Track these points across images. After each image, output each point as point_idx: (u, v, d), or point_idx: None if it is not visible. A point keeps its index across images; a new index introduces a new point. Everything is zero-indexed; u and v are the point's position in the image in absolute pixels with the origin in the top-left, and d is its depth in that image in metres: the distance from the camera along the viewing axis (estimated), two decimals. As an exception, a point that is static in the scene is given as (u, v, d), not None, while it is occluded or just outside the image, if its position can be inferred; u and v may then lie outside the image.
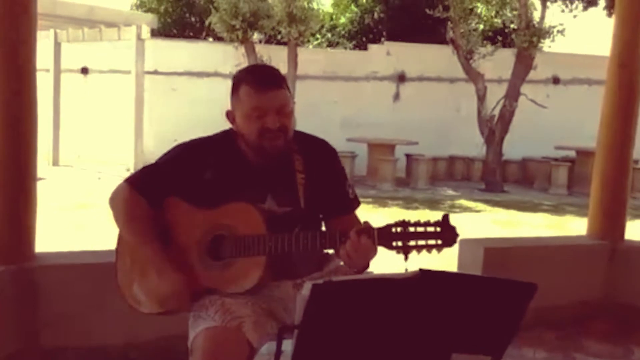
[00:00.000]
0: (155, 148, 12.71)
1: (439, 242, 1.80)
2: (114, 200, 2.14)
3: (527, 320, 1.59)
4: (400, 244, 1.80)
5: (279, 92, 2.03)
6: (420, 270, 1.44)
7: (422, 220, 1.82)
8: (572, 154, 12.74)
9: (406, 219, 1.82)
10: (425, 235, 1.80)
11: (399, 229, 1.81)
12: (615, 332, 3.86)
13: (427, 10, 12.49)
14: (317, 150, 2.19)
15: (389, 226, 1.82)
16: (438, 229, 1.81)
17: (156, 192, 2.10)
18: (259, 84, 2.02)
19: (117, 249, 2.20)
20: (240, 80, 2.07)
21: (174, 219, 2.11)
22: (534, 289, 1.47)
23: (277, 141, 2.02)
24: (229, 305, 1.97)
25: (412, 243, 1.79)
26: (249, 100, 2.02)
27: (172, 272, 2.01)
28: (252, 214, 1.99)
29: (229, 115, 2.12)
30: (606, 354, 3.68)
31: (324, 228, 2.18)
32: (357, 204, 2.21)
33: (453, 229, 1.82)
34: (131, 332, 3.06)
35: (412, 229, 1.80)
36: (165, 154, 2.16)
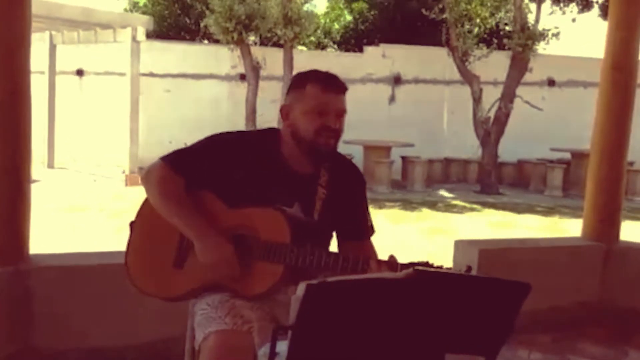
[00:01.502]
0: (150, 150, 12.68)
1: None
2: (149, 177, 2.11)
3: (521, 322, 1.60)
4: None
5: (343, 97, 2.10)
6: (415, 270, 1.44)
7: (445, 267, 1.81)
8: (568, 155, 12.77)
9: (429, 262, 1.83)
10: None
11: (420, 269, 1.82)
12: (610, 334, 3.87)
13: (424, 11, 12.51)
14: (347, 172, 2.22)
15: (412, 264, 1.82)
16: None
17: (191, 172, 2.09)
18: (329, 85, 2.07)
19: (132, 230, 2.17)
20: (307, 78, 2.10)
21: (200, 212, 2.07)
22: (528, 288, 1.47)
23: (331, 140, 2.06)
24: (239, 308, 1.97)
25: None
26: (317, 97, 2.05)
27: (218, 242, 1.99)
28: (280, 221, 1.99)
29: (283, 110, 2.13)
30: (601, 355, 3.68)
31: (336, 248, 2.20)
32: (373, 232, 2.24)
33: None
34: (128, 334, 3.05)
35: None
36: (204, 140, 2.15)
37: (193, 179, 2.09)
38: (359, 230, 2.21)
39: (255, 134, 2.22)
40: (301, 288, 1.34)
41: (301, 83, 2.10)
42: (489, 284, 1.50)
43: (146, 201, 2.15)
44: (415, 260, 1.85)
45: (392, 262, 1.88)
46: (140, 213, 2.17)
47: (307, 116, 2.05)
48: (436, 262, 1.83)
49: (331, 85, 2.07)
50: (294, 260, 1.94)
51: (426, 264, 1.82)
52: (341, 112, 2.08)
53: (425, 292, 1.45)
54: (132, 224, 2.18)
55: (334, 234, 2.21)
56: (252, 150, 2.12)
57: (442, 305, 1.47)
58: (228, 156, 2.10)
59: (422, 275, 1.43)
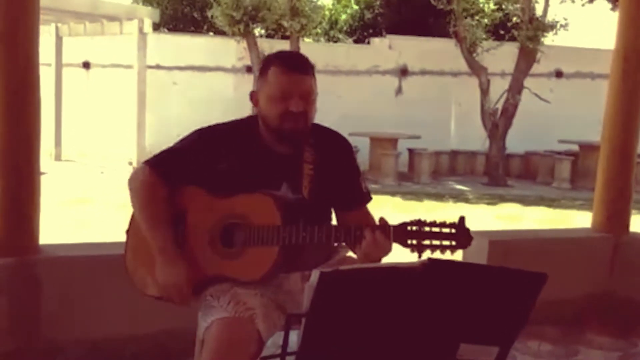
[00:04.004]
0: (157, 142, 12.64)
1: (453, 243, 1.81)
2: (132, 182, 2.13)
3: (531, 313, 1.58)
4: (415, 242, 1.81)
5: (305, 77, 2.04)
6: (429, 259, 1.43)
7: (438, 221, 1.83)
8: (576, 147, 12.70)
9: (422, 218, 1.84)
10: (440, 236, 1.81)
11: (414, 228, 1.82)
12: (620, 325, 3.85)
13: (432, 1, 12.43)
14: (332, 144, 2.19)
15: (404, 224, 1.84)
16: (453, 231, 1.82)
17: (175, 175, 2.09)
18: (288, 67, 2.03)
19: (128, 230, 2.19)
20: (270, 62, 2.08)
21: (189, 205, 2.10)
22: (544, 279, 1.45)
23: (297, 124, 2.02)
24: (241, 295, 1.97)
25: (426, 242, 1.80)
26: (276, 82, 2.03)
27: (177, 264, 2.01)
28: (269, 204, 1.99)
29: (253, 97, 2.12)
30: (610, 347, 3.67)
31: (334, 221, 2.18)
32: (369, 198, 2.22)
33: (467, 231, 1.83)
34: (132, 325, 3.06)
35: (427, 229, 1.82)
36: (184, 138, 2.15)
37: (177, 179, 2.10)
38: (355, 199, 2.19)
39: (234, 123, 2.19)
40: (315, 276, 1.34)
41: (265, 67, 2.08)
42: (505, 274, 1.48)
43: None
44: (407, 219, 1.85)
45: (383, 225, 1.87)
46: (132, 219, 2.19)
47: (270, 102, 2.04)
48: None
49: (292, 68, 2.03)
50: (287, 240, 1.93)
51: (419, 222, 1.83)
52: (305, 94, 2.03)
53: (440, 281, 1.44)
54: (127, 232, 2.20)
55: (332, 208, 2.19)
56: (233, 139, 2.11)
57: (456, 294, 1.46)
58: (211, 149, 2.09)
59: (437, 264, 1.42)
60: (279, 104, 2.02)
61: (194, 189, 2.10)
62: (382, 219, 1.91)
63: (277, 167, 2.09)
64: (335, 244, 2.13)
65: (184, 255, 2.05)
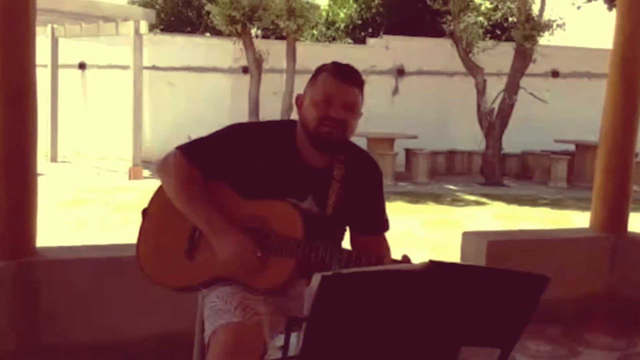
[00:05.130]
0: (154, 143, 12.70)
1: None
2: (165, 166, 2.09)
3: (532, 315, 1.57)
4: None
5: (353, 89, 2.05)
6: (430, 261, 1.42)
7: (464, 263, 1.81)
8: (572, 147, 12.73)
9: (446, 261, 1.81)
10: None
11: (436, 260, 1.80)
12: (620, 325, 3.85)
13: (428, 1, 12.43)
14: (363, 165, 2.19)
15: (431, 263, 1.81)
16: None
17: (207, 164, 2.06)
18: (338, 74, 2.04)
19: (145, 218, 2.14)
20: (322, 69, 2.08)
21: (212, 200, 2.06)
22: (545, 281, 1.44)
23: (333, 130, 2.01)
24: (249, 300, 1.95)
25: None
26: (323, 86, 2.03)
27: (233, 233, 1.96)
28: (292, 215, 1.97)
29: (298, 100, 2.11)
30: (610, 347, 3.67)
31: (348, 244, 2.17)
32: (387, 227, 2.21)
33: None
34: (132, 328, 3.04)
35: None
36: (221, 130, 2.13)
37: (208, 169, 2.06)
38: (374, 225, 2.18)
39: (272, 125, 2.19)
40: (316, 279, 1.32)
41: (317, 73, 2.08)
42: (506, 276, 1.47)
43: (159, 189, 2.12)
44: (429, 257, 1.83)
45: (406, 262, 1.83)
46: (153, 201, 2.14)
47: (314, 105, 2.03)
48: (444, 257, 1.82)
49: (342, 76, 2.03)
50: (307, 256, 1.91)
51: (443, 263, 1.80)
52: (350, 105, 2.03)
53: (441, 284, 1.43)
54: (144, 212, 2.15)
55: (347, 228, 2.18)
56: (268, 141, 2.09)
57: (457, 297, 1.45)
58: (244, 147, 2.07)
59: (438, 266, 1.41)
60: (321, 107, 2.01)
61: (220, 184, 2.06)
62: (405, 257, 1.87)
63: (306, 178, 2.07)
64: None
65: (202, 251, 2.01)
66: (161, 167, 2.10)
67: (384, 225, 2.20)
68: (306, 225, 1.95)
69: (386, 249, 2.13)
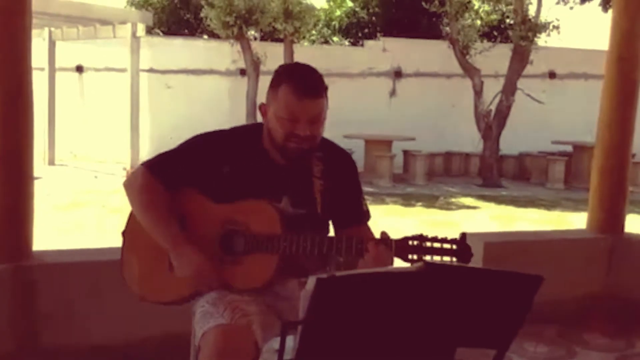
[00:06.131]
0: (151, 146, 12.68)
1: (454, 259, 1.81)
2: (130, 184, 2.11)
3: (527, 315, 1.57)
4: (415, 257, 1.82)
5: (317, 101, 2.01)
6: (425, 263, 1.42)
7: (439, 236, 1.84)
8: (569, 148, 12.74)
9: (424, 234, 1.84)
10: (441, 252, 1.82)
11: (415, 242, 1.83)
12: (617, 326, 3.85)
13: (424, 4, 12.46)
14: (339, 160, 2.20)
15: (406, 239, 1.84)
16: (454, 247, 1.82)
17: (174, 179, 2.08)
18: (300, 90, 1.98)
19: (125, 238, 2.16)
20: (283, 77, 2.03)
21: (188, 211, 2.08)
22: (539, 281, 1.45)
23: (302, 145, 2.01)
24: (237, 302, 1.95)
25: (427, 257, 1.81)
26: (286, 103, 1.99)
27: (192, 252, 1.99)
28: (269, 212, 1.98)
29: (262, 108, 2.09)
30: (607, 347, 3.67)
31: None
32: (369, 216, 2.22)
33: (469, 248, 1.83)
34: (130, 330, 3.04)
35: (428, 244, 1.83)
36: (186, 142, 2.13)
37: (174, 182, 2.08)
38: (356, 217, 2.19)
39: (237, 131, 2.18)
40: (311, 282, 1.33)
41: (276, 82, 2.04)
42: (500, 277, 1.48)
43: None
44: (409, 234, 1.86)
45: (385, 239, 1.87)
46: (129, 221, 2.16)
47: (278, 120, 2.01)
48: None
49: (303, 92, 1.98)
50: (288, 249, 1.92)
51: (420, 236, 1.83)
52: (315, 118, 2.00)
53: (436, 285, 1.43)
54: (123, 234, 2.17)
55: (331, 223, 2.19)
56: (234, 147, 2.10)
57: (453, 298, 1.45)
58: (209, 156, 2.08)
59: (433, 268, 1.41)
60: (286, 124, 2.00)
61: (193, 193, 2.08)
62: (384, 233, 1.90)
63: (279, 179, 2.08)
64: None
65: (197, 249, 2.02)
66: (127, 185, 2.12)
67: (366, 214, 2.21)
68: (284, 221, 1.96)
69: (371, 236, 2.11)
